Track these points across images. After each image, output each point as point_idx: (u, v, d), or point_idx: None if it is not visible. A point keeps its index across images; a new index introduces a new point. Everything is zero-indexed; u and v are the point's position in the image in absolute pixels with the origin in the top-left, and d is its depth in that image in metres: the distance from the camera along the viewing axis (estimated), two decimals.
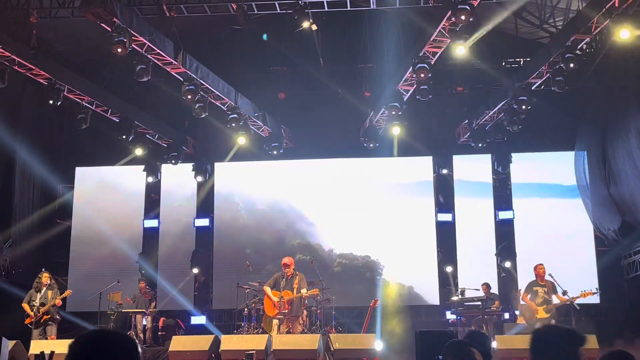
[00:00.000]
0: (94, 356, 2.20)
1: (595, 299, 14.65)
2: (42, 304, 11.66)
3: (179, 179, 17.31)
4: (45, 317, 11.65)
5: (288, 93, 16.80)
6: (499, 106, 14.30)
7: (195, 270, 16.23)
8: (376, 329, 13.16)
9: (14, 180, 15.42)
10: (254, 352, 10.29)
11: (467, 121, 15.73)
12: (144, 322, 14.03)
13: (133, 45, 11.00)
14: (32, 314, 11.63)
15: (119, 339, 2.26)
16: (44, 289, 11.85)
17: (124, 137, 14.83)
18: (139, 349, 2.33)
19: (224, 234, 17.08)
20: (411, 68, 12.55)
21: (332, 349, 10.95)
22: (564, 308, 12.04)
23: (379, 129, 15.53)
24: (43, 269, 12.34)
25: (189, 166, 16.81)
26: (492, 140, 15.58)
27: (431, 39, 11.78)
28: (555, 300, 11.88)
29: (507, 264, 15.81)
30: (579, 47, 11.95)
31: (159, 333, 14.64)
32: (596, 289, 11.72)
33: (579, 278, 14.24)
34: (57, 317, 11.94)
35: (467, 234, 16.47)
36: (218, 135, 15.59)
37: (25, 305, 11.65)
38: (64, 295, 11.83)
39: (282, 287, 11.81)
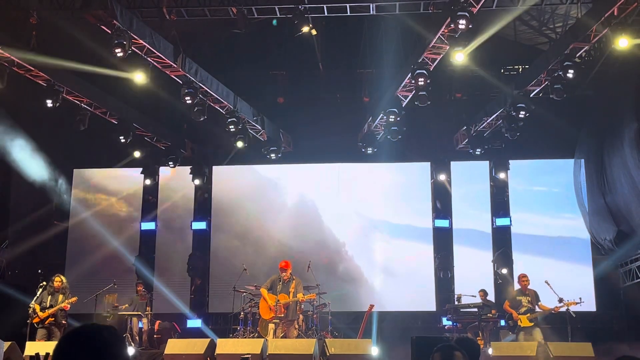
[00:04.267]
0: (77, 354, 2.21)
1: (591, 307, 14.70)
2: (52, 306, 11.66)
3: (176, 182, 17.32)
4: (50, 319, 11.63)
5: (287, 97, 16.82)
6: (497, 113, 14.33)
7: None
8: (372, 334, 13.17)
9: (11, 181, 15.40)
10: (250, 356, 10.28)
11: (465, 127, 15.76)
12: (140, 325, 14.01)
13: (133, 47, 11.01)
14: (40, 314, 11.59)
15: (99, 333, 2.26)
16: (56, 292, 11.84)
17: (122, 139, 14.84)
18: (123, 341, 2.33)
19: (221, 237, 17.07)
20: (410, 74, 12.58)
21: (328, 354, 10.93)
22: (559, 316, 12.10)
23: (377, 134, 15.55)
24: (58, 273, 12.36)
25: (186, 169, 16.79)
26: (490, 147, 15.61)
27: (430, 45, 11.81)
28: (538, 309, 12.06)
29: (504, 271, 15.83)
30: (577, 55, 11.98)
31: (155, 336, 14.61)
32: (580, 298, 11.74)
33: (575, 286, 14.27)
34: (63, 322, 11.89)
35: (464, 240, 16.48)
36: (216, 139, 15.59)
37: (36, 306, 11.63)
38: (70, 300, 11.79)
39: (279, 290, 11.81)
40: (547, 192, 16.78)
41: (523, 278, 12.44)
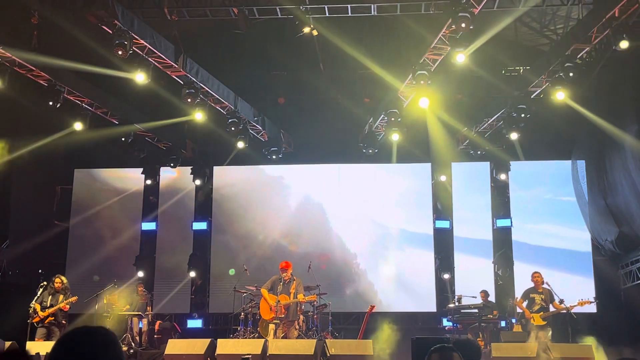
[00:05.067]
0: (72, 356, 2.21)
1: (592, 308, 14.67)
2: (52, 306, 11.69)
3: (177, 182, 17.32)
4: (49, 318, 11.66)
5: (288, 98, 16.82)
6: (498, 114, 14.33)
7: (193, 274, 16.19)
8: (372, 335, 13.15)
9: (11, 181, 15.40)
10: (250, 356, 10.28)
11: (466, 129, 15.75)
12: (140, 325, 14.01)
13: (134, 47, 11.02)
14: (40, 313, 11.62)
15: (92, 337, 2.26)
16: (57, 292, 11.86)
17: (122, 139, 14.84)
18: (118, 343, 2.32)
19: (222, 237, 17.06)
20: (411, 75, 12.58)
21: (328, 355, 10.93)
22: (560, 317, 12.04)
23: (378, 135, 15.55)
24: (58, 274, 12.39)
25: (187, 169, 16.80)
26: (490, 148, 15.60)
27: (431, 46, 11.81)
28: (552, 308, 11.87)
29: (505, 272, 15.79)
30: (578, 56, 11.98)
31: (155, 336, 14.61)
32: (594, 297, 11.69)
33: (576, 287, 14.27)
34: (63, 322, 11.92)
35: (464, 241, 16.46)
36: (217, 139, 15.58)
37: (36, 305, 11.66)
38: (69, 300, 11.82)
39: (279, 291, 11.81)
40: (548, 194, 16.77)
41: (536, 274, 12.08)
